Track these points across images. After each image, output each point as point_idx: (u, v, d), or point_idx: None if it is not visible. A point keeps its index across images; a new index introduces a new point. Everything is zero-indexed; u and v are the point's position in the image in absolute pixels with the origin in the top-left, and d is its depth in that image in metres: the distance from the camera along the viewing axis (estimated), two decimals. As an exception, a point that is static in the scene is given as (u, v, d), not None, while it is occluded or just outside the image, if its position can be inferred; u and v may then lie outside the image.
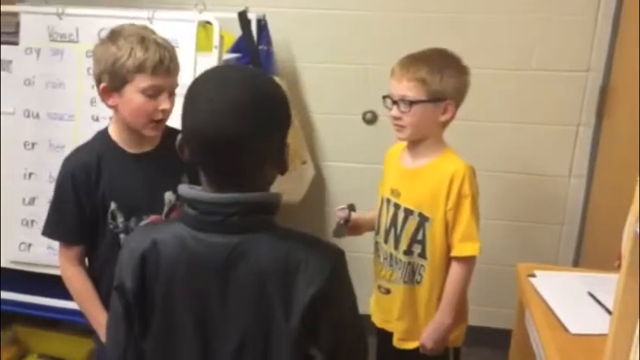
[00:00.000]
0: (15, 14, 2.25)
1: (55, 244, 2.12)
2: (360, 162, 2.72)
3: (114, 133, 1.60)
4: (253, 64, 2.40)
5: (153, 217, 1.59)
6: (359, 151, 2.71)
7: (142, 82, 1.47)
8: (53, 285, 2.20)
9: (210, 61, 2.03)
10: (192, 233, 1.07)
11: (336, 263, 1.09)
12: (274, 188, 1.14)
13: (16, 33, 2.23)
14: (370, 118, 2.66)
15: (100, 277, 1.63)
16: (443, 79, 1.62)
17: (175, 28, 2.03)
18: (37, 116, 2.15)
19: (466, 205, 1.65)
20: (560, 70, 2.47)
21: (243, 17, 2.34)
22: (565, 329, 1.37)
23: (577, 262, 2.54)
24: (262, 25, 2.43)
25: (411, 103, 1.62)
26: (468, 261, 1.69)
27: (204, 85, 1.06)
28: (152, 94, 1.49)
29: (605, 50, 2.38)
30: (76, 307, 2.14)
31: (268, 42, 2.44)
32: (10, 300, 2.26)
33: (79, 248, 1.63)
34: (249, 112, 1.03)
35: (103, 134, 1.62)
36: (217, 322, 1.08)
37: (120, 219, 1.57)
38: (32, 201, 2.17)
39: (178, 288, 1.07)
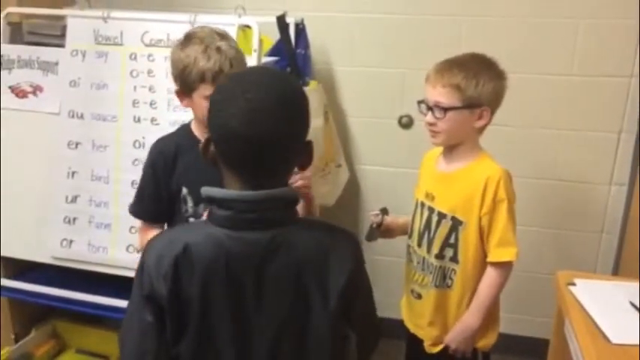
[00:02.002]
0: (61, 18, 2.33)
1: (95, 241, 2.21)
2: (394, 166, 2.72)
3: (194, 127, 1.71)
4: (291, 68, 2.43)
5: None
6: (394, 155, 2.71)
7: (206, 90, 1.55)
8: (93, 281, 2.28)
9: (250, 64, 2.06)
10: (227, 233, 1.09)
11: (358, 247, 1.18)
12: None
13: (62, 36, 2.31)
14: (406, 123, 2.66)
15: None
16: (479, 85, 1.60)
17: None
18: (82, 117, 2.21)
19: (502, 209, 1.63)
20: (603, 75, 2.43)
21: (281, 21, 2.37)
22: (606, 339, 1.34)
23: (616, 271, 2.49)
24: (300, 29, 2.45)
25: (446, 109, 1.62)
26: (505, 266, 1.67)
27: (236, 87, 1.09)
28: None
29: (649, 56, 2.33)
30: (115, 304, 2.21)
31: (306, 46, 2.47)
32: (50, 295, 2.32)
33: (157, 228, 1.71)
34: (284, 111, 1.07)
35: (186, 127, 1.74)
36: (254, 316, 1.10)
37: (190, 204, 1.67)
38: (74, 199, 2.23)
39: (215, 288, 1.09)
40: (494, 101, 1.64)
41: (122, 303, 2.16)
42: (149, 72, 2.13)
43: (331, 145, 2.62)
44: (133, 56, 2.15)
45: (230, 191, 1.11)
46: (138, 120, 2.15)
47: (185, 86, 1.59)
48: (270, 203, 1.09)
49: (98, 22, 2.18)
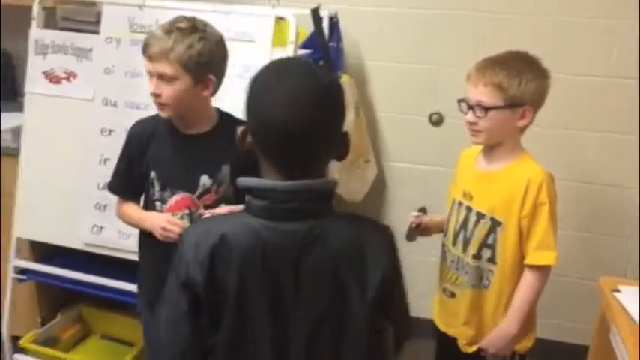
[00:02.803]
0: (95, 4, 2.34)
1: (126, 228, 2.21)
2: (423, 163, 2.70)
3: None
4: (324, 61, 2.41)
5: (185, 195, 1.72)
6: (423, 153, 2.69)
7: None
8: (120, 268, 2.29)
9: (285, 55, 2.05)
10: (264, 223, 1.09)
11: (393, 239, 1.19)
12: (340, 188, 1.20)
13: (96, 22, 2.31)
14: (436, 120, 2.64)
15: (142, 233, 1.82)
16: (521, 83, 1.58)
17: (251, 23, 2.07)
18: (115, 104, 2.22)
19: (543, 212, 1.61)
20: (634, 77, 2.39)
21: (315, 14, 2.36)
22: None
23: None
24: (334, 22, 2.44)
25: (487, 108, 1.60)
26: (543, 270, 1.65)
27: (274, 78, 1.10)
28: (149, 77, 1.66)
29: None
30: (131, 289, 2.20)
31: (339, 39, 2.45)
32: (76, 279, 2.34)
33: (132, 203, 1.82)
34: (323, 102, 1.08)
35: None
36: (291, 307, 1.10)
37: (157, 187, 1.73)
38: (106, 186, 2.23)
39: (252, 278, 1.09)
40: (536, 100, 1.62)
41: None
42: (184, 61, 2.12)
43: (361, 140, 2.61)
44: (168, 45, 2.14)
45: (268, 181, 1.10)
46: (170, 109, 2.14)
47: None
48: (308, 194, 1.09)
49: (133, 10, 2.18)
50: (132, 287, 2.22)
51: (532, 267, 1.65)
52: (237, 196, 1.73)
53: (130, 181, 1.79)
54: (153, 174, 1.73)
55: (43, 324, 2.59)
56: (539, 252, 1.63)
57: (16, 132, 2.48)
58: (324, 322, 1.11)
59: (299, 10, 2.23)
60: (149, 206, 1.78)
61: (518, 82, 1.58)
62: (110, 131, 2.23)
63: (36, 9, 2.30)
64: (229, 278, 1.09)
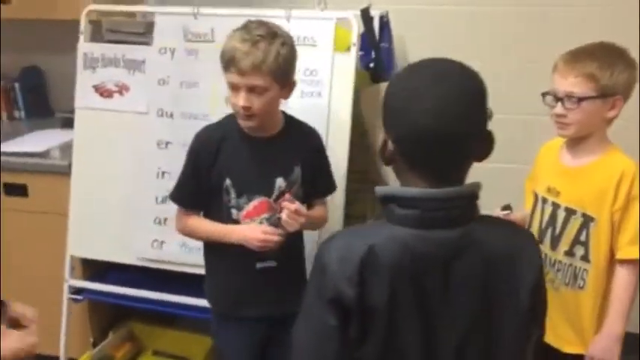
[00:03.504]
0: (143, 15, 2.30)
1: (189, 241, 2.17)
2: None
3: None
4: (375, 63, 2.38)
5: (262, 200, 1.70)
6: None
7: (227, 77, 1.60)
8: (177, 281, 2.23)
9: (349, 59, 2.02)
10: (412, 232, 1.05)
11: (538, 244, 1.20)
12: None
13: (145, 34, 2.27)
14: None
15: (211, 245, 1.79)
16: (613, 74, 1.55)
17: (312, 27, 2.04)
18: (171, 116, 2.17)
19: (635, 205, 1.58)
20: None
21: (365, 14, 2.32)
22: None
23: None
24: (384, 22, 2.40)
25: (580, 99, 1.57)
26: (636, 264, 1.61)
27: (422, 83, 1.05)
28: (232, 88, 1.61)
29: None
30: (193, 303, 2.16)
31: (389, 39, 2.42)
32: (127, 295, 2.30)
33: (194, 215, 1.78)
34: (475, 103, 1.06)
35: (231, 117, 1.72)
36: (442, 316, 1.07)
37: (232, 195, 1.70)
38: (165, 199, 2.17)
39: (402, 289, 1.05)
40: (627, 91, 1.59)
41: (199, 302, 2.13)
42: (243, 69, 2.08)
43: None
44: (225, 53, 2.10)
45: (415, 189, 1.07)
46: (231, 118, 2.10)
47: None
48: (458, 201, 1.06)
49: (188, 19, 2.13)
50: (183, 299, 2.20)
51: (625, 262, 1.61)
52: (306, 196, 1.76)
53: (198, 193, 1.74)
54: (228, 181, 1.69)
55: (94, 345, 2.53)
56: (633, 246, 1.59)
57: (64, 149, 2.43)
58: (474, 329, 1.08)
59: (343, 13, 2.17)
60: (220, 215, 1.73)
61: (611, 73, 1.55)
62: (167, 143, 2.18)
63: (83, 22, 2.26)
64: (379, 291, 1.05)
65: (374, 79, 2.40)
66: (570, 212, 1.65)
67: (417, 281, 1.05)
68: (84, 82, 2.27)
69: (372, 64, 2.36)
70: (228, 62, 1.57)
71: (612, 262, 1.64)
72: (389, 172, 2.42)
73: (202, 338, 2.53)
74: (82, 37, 2.27)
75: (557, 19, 2.44)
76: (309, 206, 1.78)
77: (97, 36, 2.35)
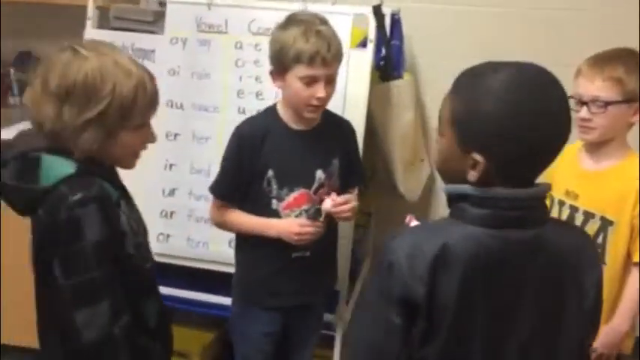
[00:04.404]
0: (152, 3, 2.24)
1: (195, 235, 2.14)
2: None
3: (281, 110, 1.74)
4: (386, 60, 2.37)
5: (302, 191, 1.72)
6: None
7: (300, 71, 1.60)
8: (173, 274, 2.19)
9: (365, 55, 2.01)
10: (486, 231, 1.04)
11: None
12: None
13: (154, 22, 2.22)
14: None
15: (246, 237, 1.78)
16: (638, 79, 1.56)
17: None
18: (181, 107, 2.13)
19: None
20: None
21: (377, 11, 2.30)
22: None
23: None
24: (396, 19, 2.38)
25: (606, 103, 1.57)
26: None
27: (525, 88, 1.03)
28: (309, 82, 1.61)
29: None
30: (192, 297, 2.12)
31: (400, 37, 2.40)
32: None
33: (232, 208, 1.76)
34: (562, 111, 1.06)
35: (272, 109, 1.76)
36: (509, 316, 1.07)
37: (274, 186, 1.71)
38: (172, 192, 2.15)
39: (474, 287, 1.04)
40: (649, 96, 1.60)
41: (208, 297, 2.15)
42: (256, 62, 2.06)
43: (417, 140, 2.57)
44: (238, 45, 2.07)
45: (494, 189, 1.05)
46: (243, 111, 2.07)
47: (280, 66, 1.63)
48: (534, 202, 1.07)
49: (201, 9, 2.10)
50: (182, 293, 2.16)
51: None
52: (342, 188, 1.78)
53: (239, 186, 1.74)
54: (270, 172, 1.70)
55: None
56: None
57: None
58: (540, 333, 1.08)
59: (359, 9, 2.15)
60: (257, 204, 1.73)
61: (636, 78, 1.56)
62: (176, 135, 2.14)
63: (91, 8, 2.20)
64: (451, 290, 1.03)
65: (383, 77, 2.39)
66: (589, 215, 1.66)
67: (488, 280, 1.05)
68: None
69: (382, 62, 2.35)
70: (312, 57, 1.57)
71: (627, 264, 1.66)
72: (397, 171, 2.43)
73: (200, 334, 2.51)
74: (89, 24, 2.21)
75: (570, 22, 2.45)
76: None
77: (103, 23, 2.29)
